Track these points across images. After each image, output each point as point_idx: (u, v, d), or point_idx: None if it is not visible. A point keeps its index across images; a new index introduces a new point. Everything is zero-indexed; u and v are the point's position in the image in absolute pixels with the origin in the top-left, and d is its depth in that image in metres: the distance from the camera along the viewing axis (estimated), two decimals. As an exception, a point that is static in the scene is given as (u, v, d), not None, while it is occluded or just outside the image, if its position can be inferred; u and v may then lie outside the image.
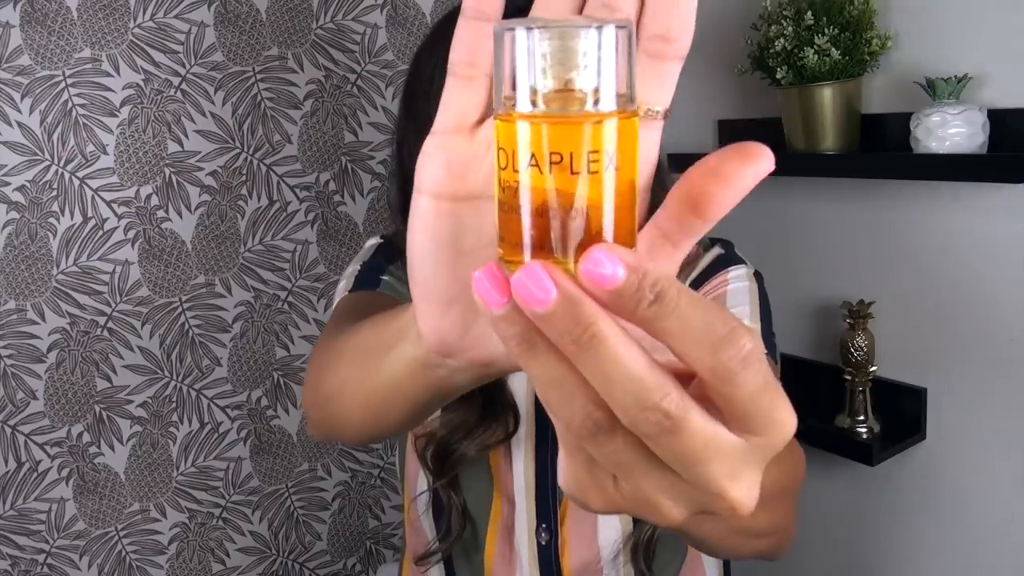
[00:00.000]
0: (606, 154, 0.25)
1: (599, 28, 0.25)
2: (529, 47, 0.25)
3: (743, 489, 0.27)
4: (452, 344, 0.36)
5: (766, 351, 0.87)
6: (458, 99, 0.32)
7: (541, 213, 0.26)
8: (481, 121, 0.33)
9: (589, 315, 0.24)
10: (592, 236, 0.26)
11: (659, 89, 0.31)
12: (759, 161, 0.26)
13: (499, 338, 0.26)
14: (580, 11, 0.29)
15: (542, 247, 0.26)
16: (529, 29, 0.25)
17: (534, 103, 0.25)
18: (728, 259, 0.85)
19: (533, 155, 0.25)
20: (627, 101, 0.26)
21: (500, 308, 0.25)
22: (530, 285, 0.24)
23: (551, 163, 0.25)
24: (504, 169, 0.26)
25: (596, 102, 0.25)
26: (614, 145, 0.25)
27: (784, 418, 0.26)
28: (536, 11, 0.30)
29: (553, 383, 0.26)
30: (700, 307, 0.24)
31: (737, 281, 0.82)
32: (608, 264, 0.24)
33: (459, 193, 0.34)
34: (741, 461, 0.26)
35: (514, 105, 0.26)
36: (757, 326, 0.78)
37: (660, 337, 0.24)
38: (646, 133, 0.31)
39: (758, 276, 0.85)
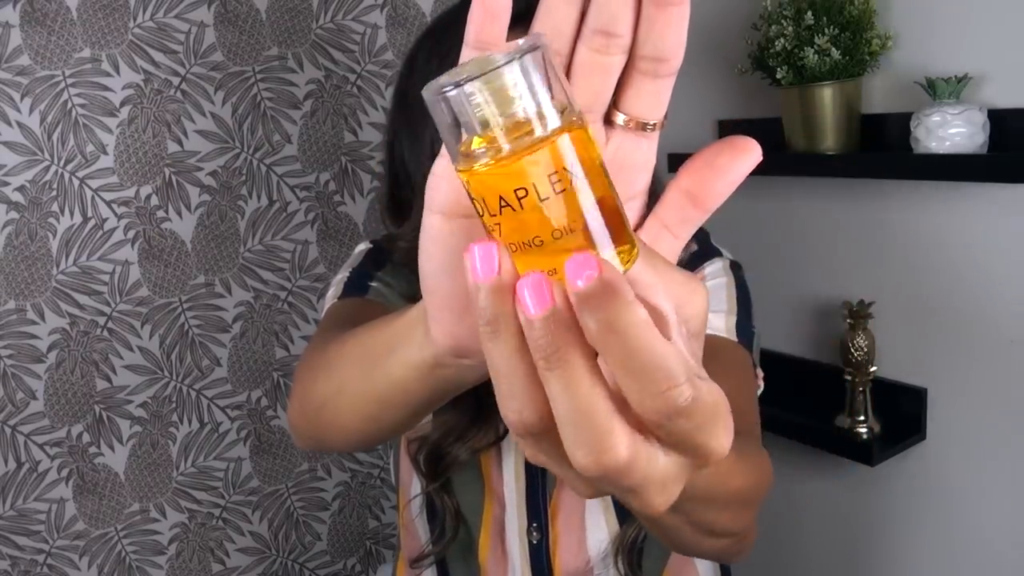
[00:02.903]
0: (568, 171, 0.26)
1: (520, 58, 0.25)
2: (465, 101, 0.26)
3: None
4: (468, 346, 0.37)
5: (738, 339, 0.84)
6: None
7: (528, 246, 0.26)
8: None
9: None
10: (584, 248, 0.26)
11: (653, 104, 0.31)
12: (749, 153, 0.29)
13: (473, 310, 0.26)
14: (581, 19, 0.30)
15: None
16: (458, 85, 0.25)
17: (486, 149, 0.26)
18: (703, 254, 0.84)
19: (501, 197, 0.26)
20: (569, 112, 0.26)
21: (488, 280, 0.25)
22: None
23: (519, 199, 0.26)
24: (483, 216, 0.27)
25: (543, 125, 0.26)
26: (573, 156, 0.26)
27: (714, 445, 0.26)
28: (539, 19, 0.30)
29: (504, 373, 0.26)
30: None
31: (713, 278, 0.81)
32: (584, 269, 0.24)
33: (470, 211, 0.34)
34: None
35: (468, 157, 0.26)
36: (732, 319, 0.78)
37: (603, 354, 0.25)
38: (644, 144, 0.33)
39: (735, 266, 0.84)
